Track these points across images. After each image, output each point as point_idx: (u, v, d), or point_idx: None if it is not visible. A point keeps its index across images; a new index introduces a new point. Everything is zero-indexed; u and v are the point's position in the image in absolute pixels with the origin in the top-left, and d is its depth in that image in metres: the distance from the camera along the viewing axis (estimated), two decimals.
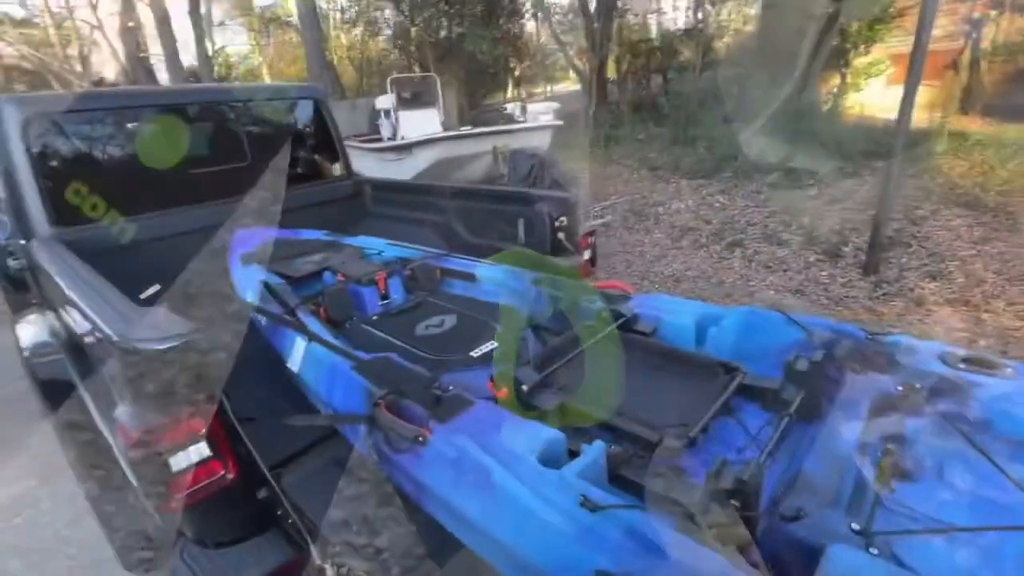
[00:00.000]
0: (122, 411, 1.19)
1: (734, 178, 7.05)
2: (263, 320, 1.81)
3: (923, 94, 8.09)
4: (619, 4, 12.47)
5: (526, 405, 1.17)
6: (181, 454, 1.19)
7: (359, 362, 1.38)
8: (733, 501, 0.85)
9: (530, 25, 16.01)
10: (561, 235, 2.33)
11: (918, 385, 1.04)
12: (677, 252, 5.51)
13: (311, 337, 1.53)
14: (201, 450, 1.23)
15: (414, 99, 7.84)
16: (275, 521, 1.39)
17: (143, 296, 2.38)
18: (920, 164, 5.99)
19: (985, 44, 9.45)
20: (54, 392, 1.84)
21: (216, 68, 18.76)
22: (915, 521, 0.89)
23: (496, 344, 1.57)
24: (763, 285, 4.52)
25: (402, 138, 6.67)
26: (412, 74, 9.57)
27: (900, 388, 1.05)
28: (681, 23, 14.14)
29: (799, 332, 1.31)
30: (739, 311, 1.41)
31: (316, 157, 3.38)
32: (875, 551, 0.71)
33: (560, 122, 6.83)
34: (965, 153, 6.19)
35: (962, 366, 1.05)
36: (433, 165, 5.84)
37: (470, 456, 0.99)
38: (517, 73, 17.15)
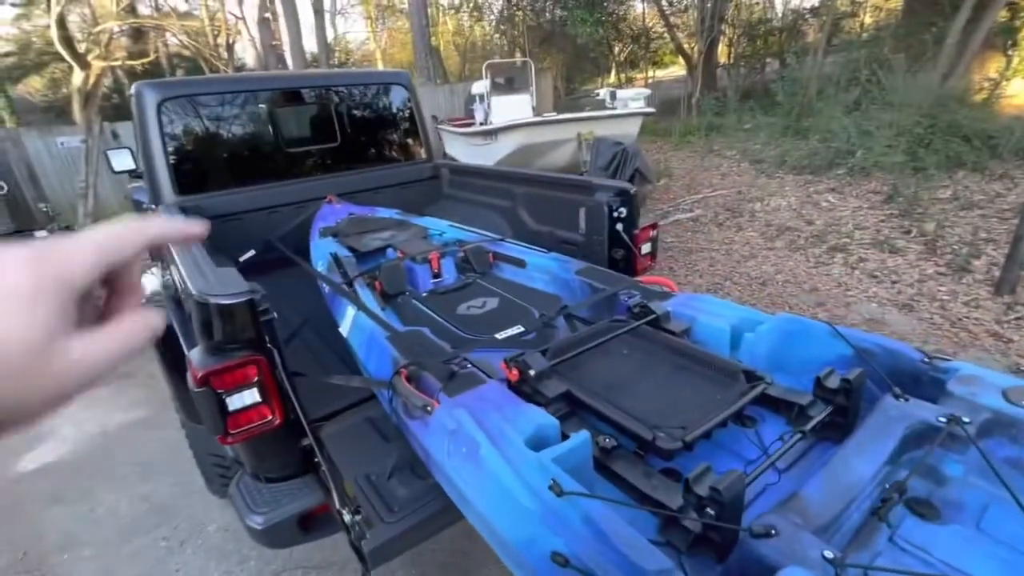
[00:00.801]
0: (193, 353, 1.39)
1: (849, 175, 6.33)
2: (326, 288, 1.99)
3: None
4: None
5: (533, 390, 1.19)
6: (236, 396, 1.37)
7: (393, 333, 1.49)
8: (709, 510, 0.82)
9: (638, 7, 15.38)
10: (619, 227, 2.27)
11: (966, 419, 0.91)
12: (769, 253, 5.10)
13: (359, 306, 1.67)
14: (253, 395, 1.41)
15: (508, 84, 7.94)
16: (313, 468, 1.55)
17: (241, 259, 2.71)
18: None
19: None
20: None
21: (336, 54, 20.26)
22: (928, 565, 0.80)
23: (522, 328, 1.60)
24: (864, 296, 4.05)
25: (491, 123, 6.80)
26: (508, 59, 9.64)
27: (943, 419, 0.92)
28: (809, 2, 12.78)
29: (844, 347, 1.19)
30: (778, 318, 1.31)
31: (400, 139, 3.58)
32: None
33: (651, 110, 6.53)
34: None
35: None
36: (517, 151, 5.89)
37: (465, 429, 1.04)
38: (622, 57, 16.61)
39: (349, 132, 3.28)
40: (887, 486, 0.84)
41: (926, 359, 1.09)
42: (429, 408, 1.15)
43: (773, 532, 0.72)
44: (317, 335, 2.35)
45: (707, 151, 8.98)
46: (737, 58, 12.66)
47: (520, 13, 14.72)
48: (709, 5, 11.03)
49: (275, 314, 1.39)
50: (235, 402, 1.38)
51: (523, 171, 2.94)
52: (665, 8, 13.26)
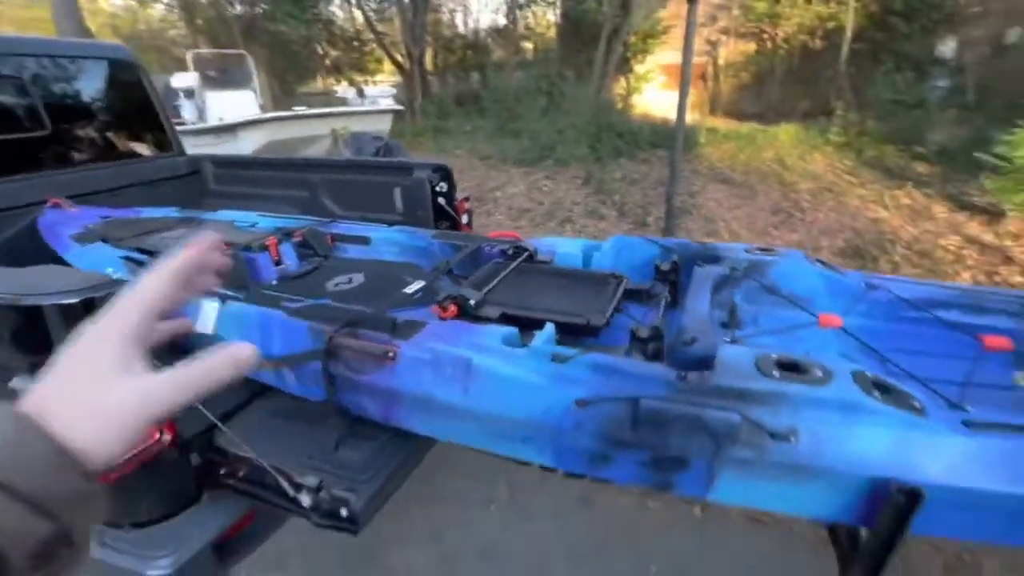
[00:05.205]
0: (16, 383, 1.04)
1: (555, 165, 7.94)
2: None
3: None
4: None
5: (475, 318, 1.36)
6: None
7: (292, 309, 1.40)
8: (648, 346, 1.19)
9: (340, 11, 15.28)
10: (442, 200, 2.50)
11: (739, 269, 1.53)
12: (518, 230, 6.04)
13: (224, 298, 1.47)
14: None
15: (222, 78, 7.01)
16: (215, 484, 1.32)
17: None
18: (689, 152, 7.57)
19: (721, 62, 12.18)
20: None
21: None
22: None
23: (424, 283, 1.71)
24: None
25: (220, 119, 5.93)
26: (219, 51, 8.41)
27: (729, 271, 1.52)
28: (484, 23, 15.00)
29: (655, 249, 1.75)
30: (612, 240, 1.80)
31: (137, 130, 2.93)
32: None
33: (401, 107, 6.86)
34: (718, 144, 8.01)
35: (758, 253, 1.58)
36: (263, 148, 5.35)
37: (447, 354, 1.15)
38: (328, 61, 16.24)
39: (63, 119, 2.54)
40: (726, 309, 1.37)
41: (700, 245, 1.71)
42: (392, 354, 1.20)
43: (695, 340, 1.13)
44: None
45: (439, 151, 9.79)
46: (444, 68, 14.02)
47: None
48: (411, 17, 11.88)
49: None
50: None
51: (323, 158, 2.85)
52: (371, 16, 13.63)
